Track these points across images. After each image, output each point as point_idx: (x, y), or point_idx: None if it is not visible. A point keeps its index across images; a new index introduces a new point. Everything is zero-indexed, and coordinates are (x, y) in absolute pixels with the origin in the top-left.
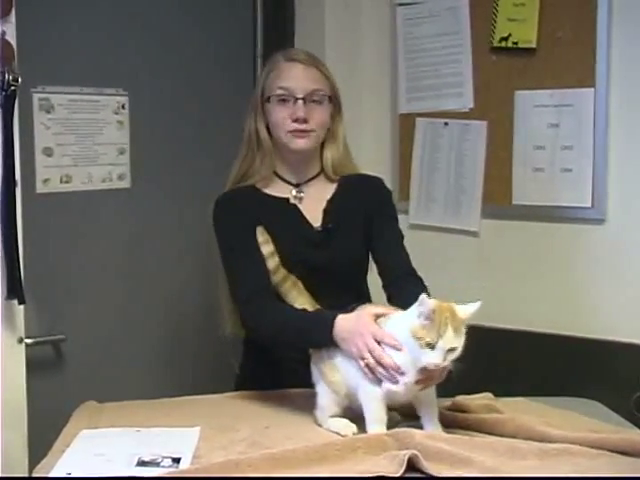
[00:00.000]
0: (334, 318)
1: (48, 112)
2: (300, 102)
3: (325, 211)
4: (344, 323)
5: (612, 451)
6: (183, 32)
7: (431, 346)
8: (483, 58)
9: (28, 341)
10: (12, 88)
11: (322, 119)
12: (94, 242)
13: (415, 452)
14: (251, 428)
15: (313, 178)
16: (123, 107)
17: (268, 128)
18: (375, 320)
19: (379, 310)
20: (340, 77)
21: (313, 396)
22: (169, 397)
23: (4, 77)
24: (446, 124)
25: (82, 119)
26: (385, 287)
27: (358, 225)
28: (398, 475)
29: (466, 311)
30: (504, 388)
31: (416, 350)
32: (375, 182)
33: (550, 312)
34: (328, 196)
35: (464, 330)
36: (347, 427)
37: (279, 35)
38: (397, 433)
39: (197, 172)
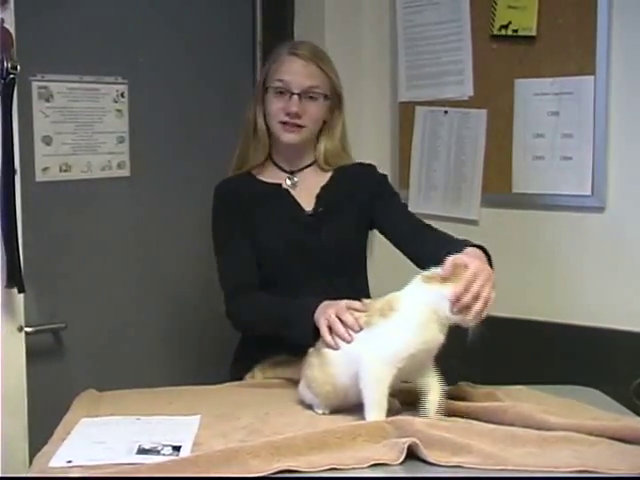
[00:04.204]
0: (318, 303)
1: (47, 100)
2: (295, 97)
3: (318, 196)
4: (322, 305)
5: (611, 438)
6: (182, 20)
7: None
8: (483, 46)
9: (28, 329)
10: (11, 76)
11: (315, 115)
12: (94, 231)
13: (415, 440)
14: (251, 416)
15: (307, 167)
16: (122, 95)
17: (264, 115)
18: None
19: (355, 305)
20: (340, 65)
21: None
22: (170, 385)
23: (3, 65)
24: (446, 112)
25: (81, 107)
26: (408, 253)
27: (351, 210)
28: (398, 462)
29: None
30: (504, 376)
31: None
32: (368, 168)
33: (549, 300)
34: (322, 183)
35: None
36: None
37: (278, 25)
38: (397, 421)
39: (197, 160)
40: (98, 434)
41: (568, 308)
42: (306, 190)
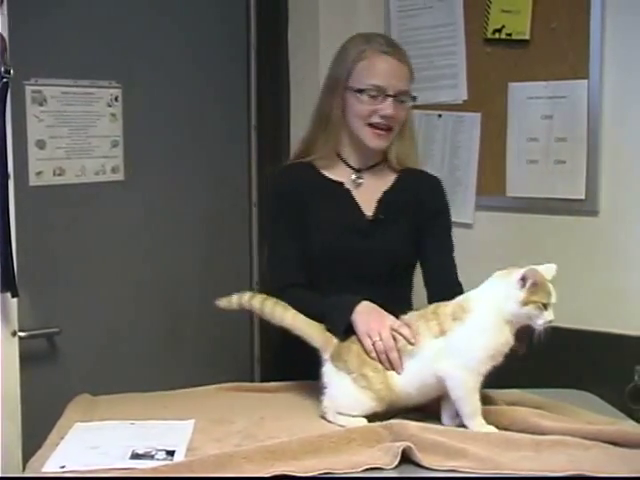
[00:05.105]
0: (360, 300)
1: (41, 104)
2: (390, 100)
3: (379, 201)
4: (368, 304)
5: (606, 442)
6: (176, 24)
7: (546, 306)
8: (477, 50)
9: (22, 334)
10: (4, 80)
11: (402, 118)
12: (88, 235)
13: (409, 444)
14: (246, 420)
15: (375, 165)
16: (116, 99)
17: (343, 110)
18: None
19: (402, 330)
20: None
21: (310, 388)
22: (165, 390)
23: None
24: (440, 116)
25: (75, 112)
26: (430, 298)
27: (410, 222)
28: (392, 467)
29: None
30: (498, 380)
31: (527, 317)
32: (434, 183)
33: None
34: (385, 187)
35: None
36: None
37: (272, 28)
38: (391, 425)
39: (191, 164)
40: (92, 439)
41: (561, 311)
42: (368, 192)
